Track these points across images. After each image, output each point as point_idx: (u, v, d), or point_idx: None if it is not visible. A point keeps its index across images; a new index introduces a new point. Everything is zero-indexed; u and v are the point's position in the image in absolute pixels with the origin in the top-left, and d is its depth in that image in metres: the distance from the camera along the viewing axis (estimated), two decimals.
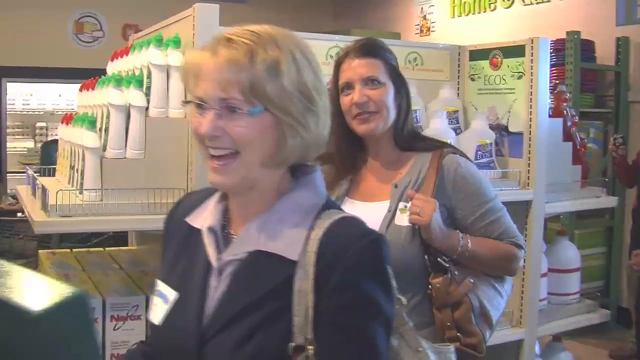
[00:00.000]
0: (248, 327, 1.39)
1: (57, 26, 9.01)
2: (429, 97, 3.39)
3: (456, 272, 2.21)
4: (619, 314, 6.26)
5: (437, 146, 2.36)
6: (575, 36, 6.27)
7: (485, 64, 3.40)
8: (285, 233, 1.44)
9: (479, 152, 3.16)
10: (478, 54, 3.46)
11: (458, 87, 3.52)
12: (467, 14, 8.50)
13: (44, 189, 2.40)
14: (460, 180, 2.27)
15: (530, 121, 3.17)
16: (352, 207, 2.26)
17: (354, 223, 1.47)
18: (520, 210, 3.21)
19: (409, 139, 2.35)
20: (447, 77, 3.50)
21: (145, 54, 2.60)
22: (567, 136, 3.59)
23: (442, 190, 2.26)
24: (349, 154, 2.38)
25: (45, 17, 8.88)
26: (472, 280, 2.24)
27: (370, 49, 2.29)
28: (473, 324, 2.21)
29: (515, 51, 3.26)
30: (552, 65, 6.06)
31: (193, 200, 1.64)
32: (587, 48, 6.41)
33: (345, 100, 2.28)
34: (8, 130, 8.92)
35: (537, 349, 3.44)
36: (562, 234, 3.75)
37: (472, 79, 3.48)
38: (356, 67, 2.27)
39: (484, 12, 8.25)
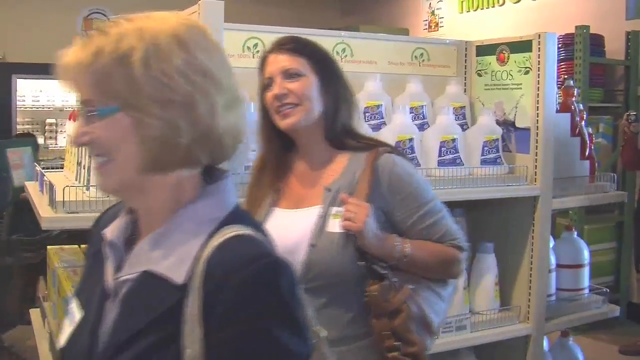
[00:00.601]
0: (134, 358, 1.22)
1: (67, 23, 9.03)
2: (436, 93, 3.38)
3: (394, 279, 2.09)
4: (629, 309, 6.25)
5: (372, 145, 2.21)
6: (584, 30, 6.23)
7: (492, 59, 3.39)
8: (176, 251, 1.26)
9: (485, 148, 3.16)
10: (485, 50, 3.45)
11: (465, 83, 3.51)
12: (476, 9, 8.48)
13: (51, 185, 2.42)
14: (397, 181, 2.14)
15: (538, 117, 3.16)
16: (280, 216, 2.19)
17: (247, 243, 1.25)
18: (527, 205, 3.21)
19: (341, 136, 2.21)
20: (454, 73, 3.49)
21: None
22: (575, 131, 3.58)
23: (378, 193, 2.13)
24: (278, 157, 2.26)
25: (55, 13, 8.94)
26: (411, 287, 2.12)
27: (291, 44, 2.19)
28: (413, 333, 2.09)
29: (522, 46, 3.25)
30: (561, 60, 6.05)
31: (116, 210, 1.47)
32: (596, 42, 6.38)
33: (268, 97, 2.17)
34: (18, 127, 8.95)
35: (545, 344, 3.43)
36: (569, 229, 3.74)
37: (479, 75, 3.47)
38: (276, 62, 2.16)
39: (492, 7, 8.23)
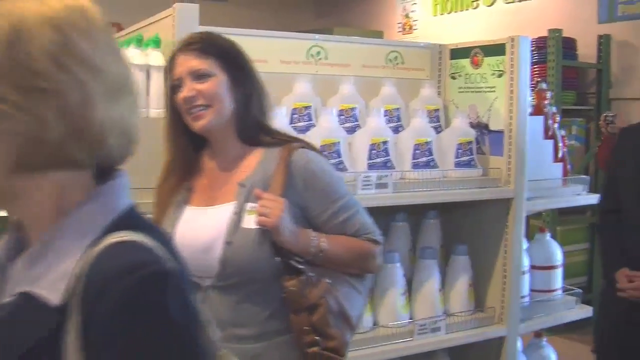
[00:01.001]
0: None
1: None
2: (410, 96, 3.40)
3: (311, 274, 2.09)
4: None
5: (286, 140, 2.21)
6: (557, 34, 6.29)
7: (466, 62, 3.41)
8: (54, 266, 1.07)
9: (459, 151, 3.18)
10: (459, 53, 3.47)
11: (439, 86, 3.53)
12: (450, 12, 8.53)
13: None
14: (311, 177, 2.14)
15: (511, 119, 3.19)
16: (193, 215, 2.17)
17: (128, 250, 1.05)
18: (501, 208, 3.24)
19: (254, 132, 2.19)
20: (428, 76, 3.51)
21: (126, 53, 2.60)
22: (548, 134, 3.61)
23: (293, 188, 2.12)
24: (187, 156, 2.24)
25: None
26: (328, 281, 2.12)
27: (199, 44, 2.14)
28: (332, 327, 2.09)
29: (495, 50, 3.27)
30: (534, 63, 6.09)
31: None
32: (569, 46, 6.44)
33: (178, 98, 2.13)
34: None
35: (519, 345, 3.46)
36: (542, 230, 3.76)
37: (453, 78, 3.49)
38: (185, 63, 2.12)
39: (466, 10, 8.28)
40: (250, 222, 2.07)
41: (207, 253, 2.06)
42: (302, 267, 2.08)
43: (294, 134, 2.80)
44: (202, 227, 2.12)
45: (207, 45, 2.13)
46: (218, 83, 2.11)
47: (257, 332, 2.10)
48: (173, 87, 2.15)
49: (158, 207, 2.23)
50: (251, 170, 2.16)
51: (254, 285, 2.08)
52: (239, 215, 2.09)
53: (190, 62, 2.11)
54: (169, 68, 2.17)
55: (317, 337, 2.08)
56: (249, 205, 2.09)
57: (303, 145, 2.21)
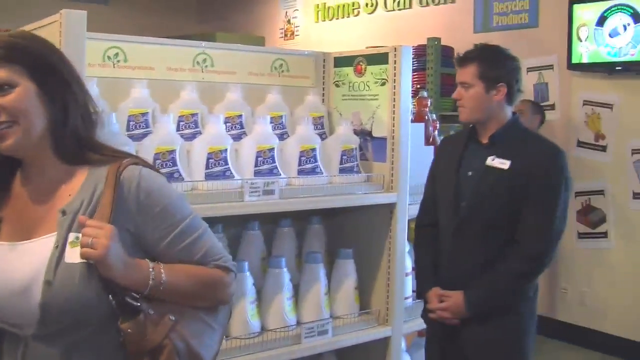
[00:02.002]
0: None
1: None
2: (295, 103, 3.46)
3: (151, 311, 1.78)
4: None
5: (115, 157, 1.87)
6: (436, 42, 6.52)
7: (349, 70, 3.49)
8: None
9: (344, 157, 3.25)
10: (342, 61, 3.55)
11: (323, 93, 3.60)
12: (331, 19, 8.67)
13: None
14: (146, 197, 1.82)
15: (394, 127, 3.27)
16: (4, 252, 1.80)
17: None
18: (384, 212, 3.33)
19: (76, 148, 1.83)
20: (313, 84, 3.57)
21: None
22: (429, 140, 3.73)
23: (124, 211, 1.79)
24: None
25: None
26: (172, 318, 1.81)
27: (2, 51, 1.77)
28: None
29: (378, 59, 3.35)
30: (413, 70, 6.18)
31: None
32: (446, 54, 6.64)
33: None
34: None
35: (403, 345, 3.55)
36: None
37: (337, 85, 3.56)
38: None
39: (348, 17, 8.44)
40: (74, 255, 1.72)
41: (25, 297, 1.71)
42: (139, 304, 1.77)
43: (178, 141, 2.80)
44: (16, 266, 1.75)
45: (8, 52, 1.76)
46: (23, 95, 1.75)
47: None
48: None
49: None
50: (74, 194, 1.81)
51: (83, 331, 1.75)
52: (60, 248, 1.74)
53: None
54: None
55: None
56: (72, 235, 1.74)
57: (135, 161, 1.88)
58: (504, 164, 2.99)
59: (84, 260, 1.70)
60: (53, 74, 1.80)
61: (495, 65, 3.05)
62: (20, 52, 1.77)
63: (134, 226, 1.82)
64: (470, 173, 3.08)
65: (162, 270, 1.81)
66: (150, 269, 1.79)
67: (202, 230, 1.92)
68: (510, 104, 3.11)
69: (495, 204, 2.99)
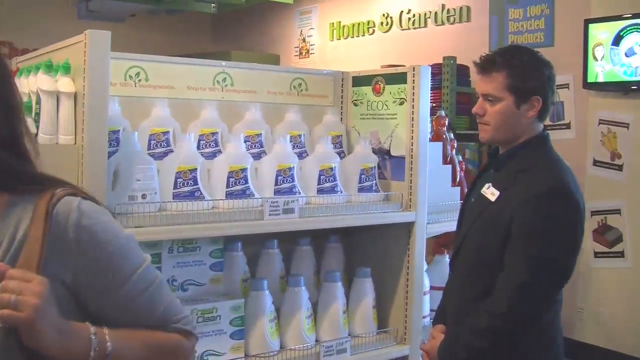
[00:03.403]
0: None
1: None
2: (314, 122, 3.48)
3: None
4: None
5: (46, 185, 1.47)
6: (452, 61, 6.55)
7: (367, 89, 3.51)
8: None
9: (362, 176, 3.26)
10: (361, 80, 3.56)
11: (341, 112, 3.62)
12: (347, 37, 8.72)
13: None
14: (88, 239, 1.44)
15: (412, 145, 3.29)
16: None
17: None
18: (403, 231, 3.33)
19: None
20: (331, 103, 3.59)
21: (34, 79, 2.58)
22: (447, 159, 3.74)
23: (58, 257, 1.41)
24: None
25: None
26: None
27: None
28: None
29: (397, 78, 3.37)
30: None
31: None
32: (462, 73, 6.68)
33: None
34: None
35: None
36: (440, 253, 3.88)
37: (355, 104, 3.57)
38: None
39: (363, 35, 8.49)
40: None
41: None
42: None
43: (199, 160, 2.80)
44: None
45: None
46: None
47: None
48: None
49: None
50: None
51: None
52: None
53: None
54: None
55: None
56: None
57: (72, 191, 1.48)
58: (493, 194, 2.59)
59: (2, 325, 1.30)
60: None
61: (530, 74, 2.55)
62: None
63: (71, 276, 1.43)
64: (473, 200, 2.76)
65: (107, 337, 1.42)
66: (92, 336, 1.40)
67: (157, 281, 1.56)
68: (541, 120, 2.64)
69: (481, 238, 2.61)
